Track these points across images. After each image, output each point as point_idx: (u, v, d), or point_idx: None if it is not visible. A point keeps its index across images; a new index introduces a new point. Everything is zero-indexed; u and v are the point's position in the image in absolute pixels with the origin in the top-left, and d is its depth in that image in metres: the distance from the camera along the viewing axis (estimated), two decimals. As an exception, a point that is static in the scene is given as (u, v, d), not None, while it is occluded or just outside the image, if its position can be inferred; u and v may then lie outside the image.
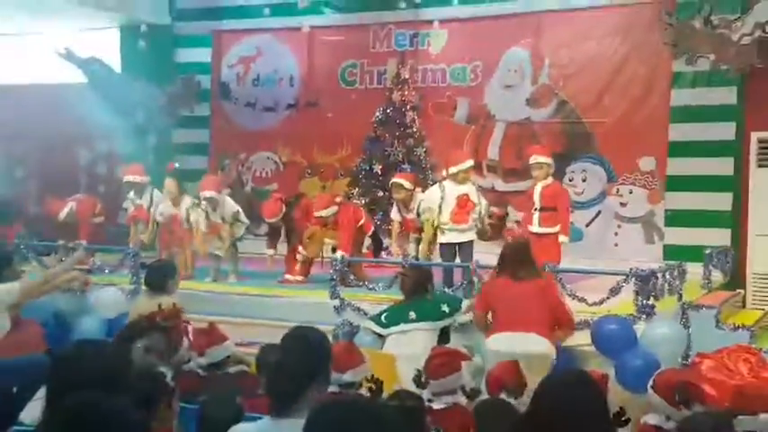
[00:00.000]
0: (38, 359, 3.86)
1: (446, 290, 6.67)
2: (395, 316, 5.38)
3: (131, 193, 8.44)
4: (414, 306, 5.36)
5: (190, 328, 4.52)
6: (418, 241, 7.48)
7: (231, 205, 7.67)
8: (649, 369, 4.68)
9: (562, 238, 6.84)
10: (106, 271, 7.63)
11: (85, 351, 2.42)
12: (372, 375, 3.68)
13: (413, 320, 5.26)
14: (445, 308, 5.36)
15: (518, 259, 5.14)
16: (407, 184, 7.56)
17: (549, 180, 7.02)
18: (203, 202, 7.54)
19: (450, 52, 9.75)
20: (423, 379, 3.71)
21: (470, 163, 7.03)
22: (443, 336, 5.36)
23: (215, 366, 4.16)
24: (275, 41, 10.69)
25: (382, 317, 5.45)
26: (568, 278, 6.29)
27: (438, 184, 7.09)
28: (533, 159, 7.06)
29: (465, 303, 5.50)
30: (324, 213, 7.29)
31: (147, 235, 8.29)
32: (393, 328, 5.31)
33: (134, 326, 3.82)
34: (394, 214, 7.73)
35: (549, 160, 7.04)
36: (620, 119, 8.98)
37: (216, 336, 4.29)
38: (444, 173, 7.11)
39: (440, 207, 6.89)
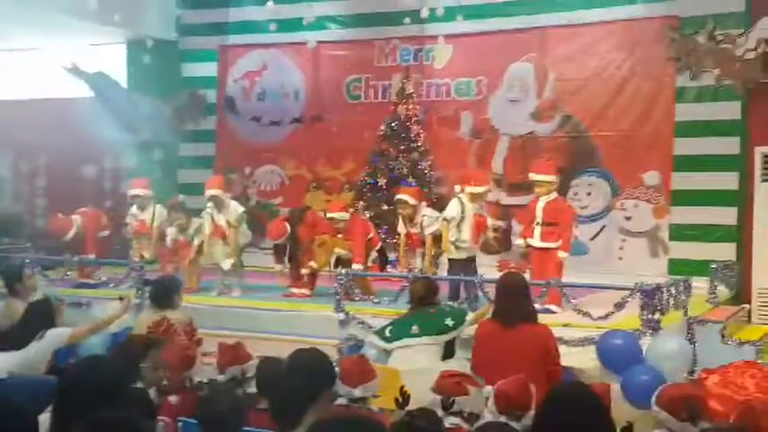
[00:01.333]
0: (47, 379, 3.87)
1: (452, 304, 6.67)
2: (399, 330, 5.34)
3: (134, 208, 8.47)
4: (417, 320, 5.31)
5: (199, 344, 4.54)
6: (424, 255, 7.51)
7: (236, 207, 7.67)
8: (655, 384, 4.66)
9: (562, 254, 6.75)
10: (110, 285, 7.63)
11: (88, 368, 2.43)
12: (402, 387, 3.67)
13: (416, 335, 5.21)
14: (449, 321, 5.28)
15: (511, 298, 4.68)
16: (412, 200, 7.58)
17: (553, 195, 6.98)
18: (208, 204, 7.55)
19: (454, 67, 9.79)
20: (450, 402, 3.58)
21: (489, 188, 7.10)
22: (448, 349, 5.32)
23: (235, 384, 4.14)
24: (281, 56, 10.74)
25: (386, 331, 5.42)
26: (573, 293, 6.28)
27: (456, 199, 7.03)
28: (531, 177, 7.04)
29: (470, 316, 5.44)
30: (337, 216, 7.33)
31: (150, 249, 8.31)
32: (397, 343, 5.28)
33: (135, 342, 3.81)
34: (400, 228, 7.75)
35: (548, 177, 6.91)
36: (624, 133, 8.99)
37: (239, 354, 4.25)
38: (458, 188, 7.08)
39: (458, 224, 6.89)
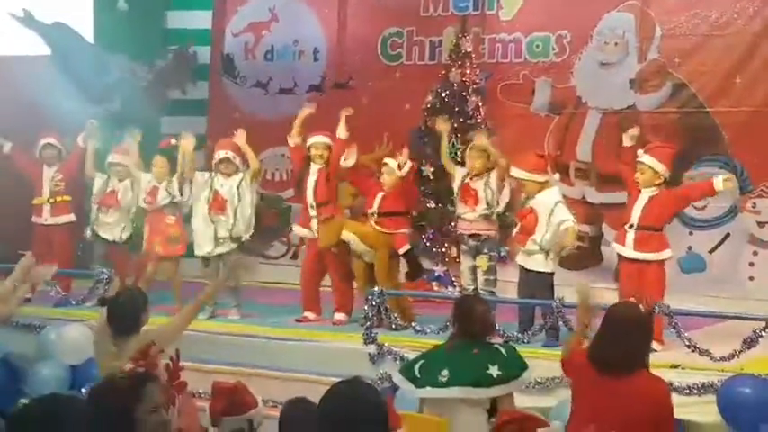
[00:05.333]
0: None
1: (521, 334, 6.65)
2: (430, 370, 4.97)
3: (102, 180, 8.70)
4: (450, 361, 4.91)
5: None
6: (474, 269, 7.49)
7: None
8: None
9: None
10: (72, 302, 7.76)
11: (50, 413, 2.43)
12: None
13: (443, 383, 4.82)
14: (494, 371, 4.80)
15: (619, 340, 4.42)
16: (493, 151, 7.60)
17: (658, 190, 6.94)
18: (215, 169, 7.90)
19: (527, 17, 9.74)
20: None
21: (541, 178, 7.14)
22: (493, 409, 4.83)
23: None
24: (295, 2, 10.79)
25: (416, 368, 5.05)
26: (686, 323, 6.22)
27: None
28: (639, 156, 7.02)
29: (526, 373, 4.94)
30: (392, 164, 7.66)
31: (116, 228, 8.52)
32: (426, 391, 4.91)
33: (116, 386, 3.81)
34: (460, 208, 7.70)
35: (657, 165, 6.95)
36: (757, 109, 8.87)
37: (240, 399, 4.26)
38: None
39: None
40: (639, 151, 7.13)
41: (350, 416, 2.64)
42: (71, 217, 8.95)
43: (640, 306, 4.94)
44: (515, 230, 7.19)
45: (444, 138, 7.91)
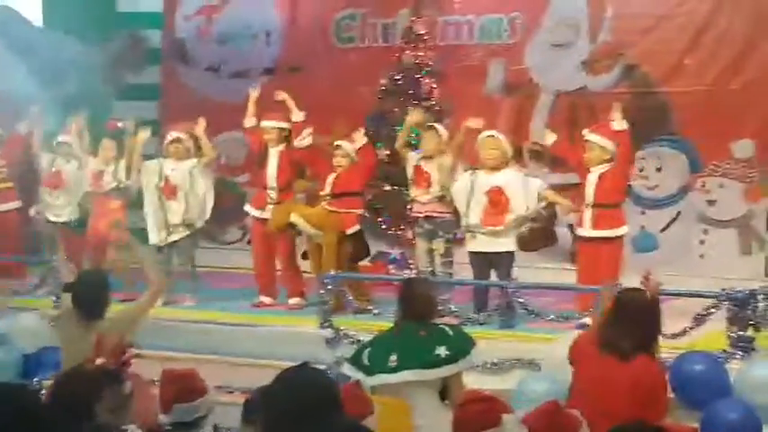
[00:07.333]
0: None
1: (477, 315, 6.69)
2: (378, 356, 4.89)
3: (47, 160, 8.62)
4: (398, 344, 4.87)
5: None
6: (430, 251, 7.51)
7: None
8: (747, 424, 4.66)
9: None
10: (20, 292, 7.69)
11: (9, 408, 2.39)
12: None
13: (394, 369, 4.76)
14: (442, 351, 4.76)
15: (627, 327, 4.53)
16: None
17: (608, 166, 7.01)
18: (165, 151, 7.88)
19: (480, -1, 9.75)
20: None
21: (497, 135, 7.17)
22: (444, 391, 4.83)
23: (184, 427, 4.13)
24: (247, -16, 10.73)
25: (364, 355, 4.96)
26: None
27: (470, 171, 7.19)
28: (584, 135, 7.11)
29: (474, 351, 4.91)
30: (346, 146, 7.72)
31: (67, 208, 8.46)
32: (378, 378, 4.82)
33: (84, 378, 3.77)
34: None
35: (604, 142, 7.03)
36: (708, 89, 8.95)
37: (190, 385, 4.23)
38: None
39: (468, 203, 6.93)
40: (585, 131, 7.19)
41: (298, 403, 2.62)
42: (16, 203, 8.82)
43: (647, 293, 4.88)
44: (478, 215, 7.14)
45: (406, 127, 7.88)
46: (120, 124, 8.59)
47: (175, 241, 7.84)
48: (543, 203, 7.20)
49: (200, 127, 8.01)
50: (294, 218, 7.53)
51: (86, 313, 5.26)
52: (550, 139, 7.44)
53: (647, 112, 9.14)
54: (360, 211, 7.81)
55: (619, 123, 7.05)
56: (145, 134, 8.12)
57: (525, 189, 7.04)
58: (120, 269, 7.88)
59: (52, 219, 8.52)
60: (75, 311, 5.31)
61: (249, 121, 8.07)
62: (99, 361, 4.16)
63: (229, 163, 10.66)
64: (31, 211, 8.67)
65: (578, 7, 9.42)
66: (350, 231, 7.64)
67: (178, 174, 7.87)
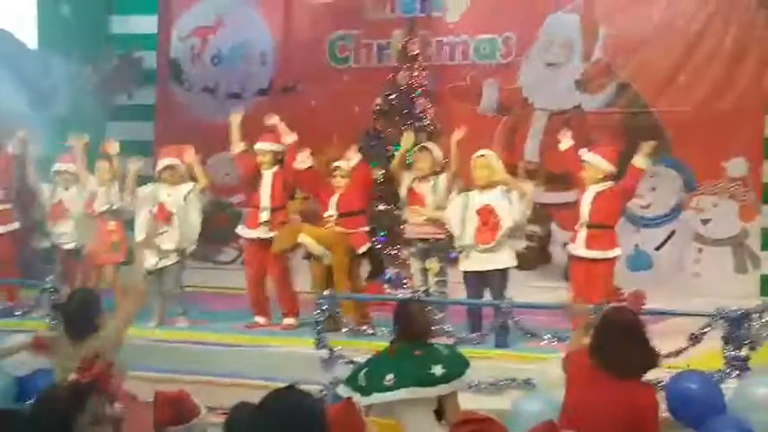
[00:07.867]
0: None
1: (472, 335, 6.69)
2: (374, 376, 4.91)
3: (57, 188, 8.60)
4: (394, 364, 4.88)
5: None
6: (424, 271, 7.51)
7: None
8: (743, 443, 4.65)
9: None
10: (17, 313, 7.68)
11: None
12: None
13: (390, 387, 4.76)
14: (438, 370, 4.78)
15: (613, 346, 4.48)
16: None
17: (605, 185, 7.03)
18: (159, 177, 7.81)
19: (474, 19, 9.79)
20: None
21: (488, 155, 7.14)
22: (440, 411, 4.82)
23: None
24: (242, 5, 10.74)
25: (360, 376, 4.98)
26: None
27: (463, 193, 7.22)
28: (581, 154, 7.13)
29: (468, 371, 4.92)
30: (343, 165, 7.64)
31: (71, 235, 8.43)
32: (374, 397, 4.83)
33: (60, 395, 3.75)
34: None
35: (601, 163, 7.04)
36: (700, 108, 8.99)
37: (183, 407, 4.22)
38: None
39: (462, 223, 6.97)
40: (582, 150, 7.21)
41: (284, 425, 2.61)
42: (14, 225, 8.79)
43: (631, 311, 4.87)
44: (471, 234, 7.13)
45: (401, 150, 7.87)
46: (117, 143, 8.57)
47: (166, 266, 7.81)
48: (524, 204, 7.16)
49: (190, 155, 7.94)
50: (303, 238, 7.48)
51: (76, 332, 5.23)
52: (566, 144, 7.38)
53: (640, 131, 9.14)
54: (367, 229, 7.79)
55: (639, 161, 7.09)
56: (137, 165, 8.06)
57: (509, 201, 7.06)
58: (120, 290, 7.87)
59: (65, 247, 8.46)
60: (65, 331, 5.31)
61: (236, 147, 7.98)
62: (71, 377, 4.17)
63: (225, 183, 10.69)
64: (44, 244, 8.62)
65: (571, 26, 9.47)
66: (361, 250, 7.64)
67: (173, 200, 7.81)
